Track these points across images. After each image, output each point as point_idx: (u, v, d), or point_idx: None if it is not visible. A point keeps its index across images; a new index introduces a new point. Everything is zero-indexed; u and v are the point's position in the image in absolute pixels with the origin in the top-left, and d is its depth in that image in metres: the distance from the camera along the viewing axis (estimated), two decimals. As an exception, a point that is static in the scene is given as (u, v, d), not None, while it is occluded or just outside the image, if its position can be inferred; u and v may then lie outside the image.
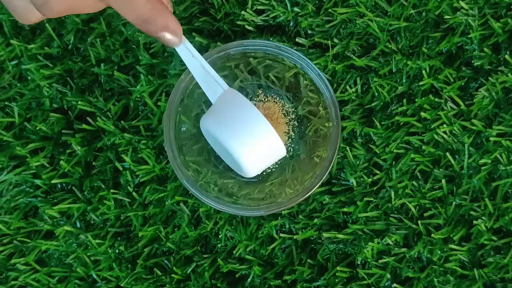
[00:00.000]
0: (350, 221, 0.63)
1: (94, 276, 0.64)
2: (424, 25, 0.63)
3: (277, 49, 0.60)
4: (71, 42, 0.66)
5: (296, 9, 0.63)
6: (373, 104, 0.63)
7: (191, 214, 0.64)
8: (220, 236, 0.63)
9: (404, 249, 0.62)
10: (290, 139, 0.63)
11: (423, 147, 0.62)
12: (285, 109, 0.63)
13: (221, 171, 0.63)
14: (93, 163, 0.65)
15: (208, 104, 0.59)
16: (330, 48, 0.63)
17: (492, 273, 0.61)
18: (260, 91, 0.63)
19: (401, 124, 0.62)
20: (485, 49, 0.62)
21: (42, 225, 0.64)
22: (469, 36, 0.62)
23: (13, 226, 0.65)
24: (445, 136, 0.61)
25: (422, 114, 0.62)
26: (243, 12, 0.63)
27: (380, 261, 0.62)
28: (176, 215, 0.64)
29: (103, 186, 0.64)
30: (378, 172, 0.62)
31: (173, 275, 0.63)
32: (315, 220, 0.62)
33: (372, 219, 0.62)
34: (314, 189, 0.59)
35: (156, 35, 0.50)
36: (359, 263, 0.63)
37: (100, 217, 0.64)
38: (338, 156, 0.63)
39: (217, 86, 0.56)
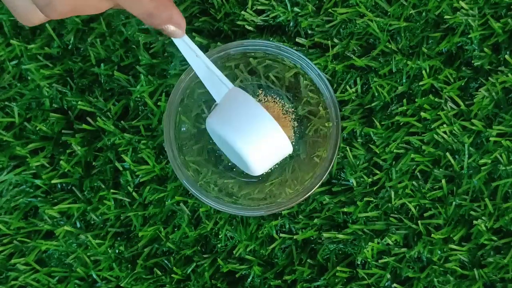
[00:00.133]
0: (350, 221, 0.63)
1: (94, 276, 0.64)
2: (424, 25, 0.63)
3: (277, 49, 0.60)
4: (71, 42, 0.66)
5: (296, 9, 0.63)
6: (373, 104, 0.63)
7: (191, 214, 0.64)
8: (220, 236, 0.63)
9: (404, 249, 0.62)
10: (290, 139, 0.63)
11: (423, 147, 0.62)
12: (285, 109, 0.63)
13: (221, 171, 0.63)
14: (93, 163, 0.65)
15: (208, 104, 0.59)
16: (330, 48, 0.63)
17: (492, 273, 0.61)
18: (260, 91, 0.63)
19: (401, 124, 0.62)
20: (485, 49, 0.62)
21: (42, 225, 0.64)
22: (469, 36, 0.62)
23: (13, 226, 0.65)
24: (445, 136, 0.61)
25: (422, 114, 0.62)
26: (243, 12, 0.63)
27: (380, 261, 0.62)
28: (176, 215, 0.64)
29: (103, 186, 0.64)
30: (378, 172, 0.62)
31: (173, 275, 0.63)
32: (315, 220, 0.62)
33: (372, 219, 0.62)
34: (314, 189, 0.59)
35: (161, 27, 0.50)
36: (359, 263, 0.63)
37: (100, 217, 0.64)
38: (338, 156, 0.63)
39: (222, 85, 0.56)
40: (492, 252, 0.61)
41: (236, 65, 0.62)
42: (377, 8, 0.63)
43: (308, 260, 0.63)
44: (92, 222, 0.65)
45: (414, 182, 0.62)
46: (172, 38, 0.53)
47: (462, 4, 0.61)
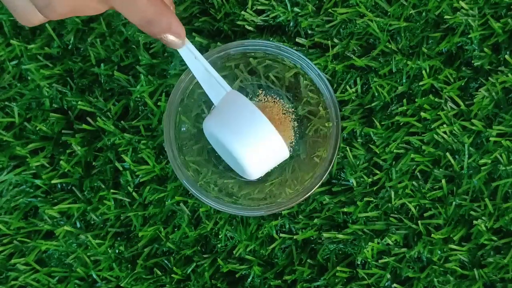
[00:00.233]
0: (350, 221, 0.63)
1: (94, 276, 0.64)
2: (424, 25, 0.63)
3: (277, 49, 0.60)
4: (71, 42, 0.66)
5: (296, 9, 0.63)
6: (373, 104, 0.63)
7: (191, 214, 0.64)
8: (220, 236, 0.63)
9: (404, 249, 0.62)
10: (290, 139, 0.63)
11: (423, 147, 0.62)
12: (285, 109, 0.63)
13: (221, 171, 0.63)
14: (93, 163, 0.65)
15: (208, 104, 0.59)
16: (330, 48, 0.63)
17: (492, 273, 0.61)
18: (260, 91, 0.63)
19: (401, 124, 0.62)
20: (485, 49, 0.62)
21: (42, 225, 0.64)
22: (469, 36, 0.62)
23: (13, 226, 0.65)
24: (445, 136, 0.61)
25: (422, 114, 0.62)
26: (243, 12, 0.63)
27: (380, 261, 0.62)
28: (176, 215, 0.64)
29: (103, 186, 0.64)
30: (378, 172, 0.62)
31: (173, 275, 0.63)
32: (315, 220, 0.62)
33: (372, 219, 0.62)
34: (314, 189, 0.59)
35: (159, 36, 0.50)
36: (359, 263, 0.63)
37: (100, 217, 0.64)
38: (338, 156, 0.63)
39: (220, 88, 0.56)
40: (492, 252, 0.61)
41: (236, 65, 0.62)
42: (377, 8, 0.63)
43: (308, 260, 0.63)
44: (92, 222, 0.65)
45: (414, 182, 0.62)
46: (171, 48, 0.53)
47: (462, 4, 0.61)
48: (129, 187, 0.64)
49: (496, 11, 0.62)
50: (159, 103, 0.64)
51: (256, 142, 0.54)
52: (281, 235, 0.63)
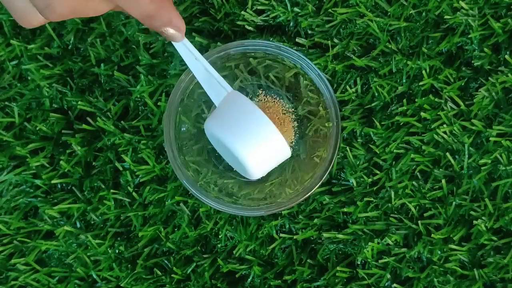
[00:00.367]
0: (350, 221, 0.63)
1: (94, 276, 0.64)
2: (424, 25, 0.63)
3: (277, 49, 0.60)
4: (71, 42, 0.66)
5: (296, 9, 0.63)
6: (373, 104, 0.63)
7: (191, 214, 0.64)
8: (220, 236, 0.63)
9: (404, 249, 0.62)
10: (290, 139, 0.63)
11: (423, 147, 0.62)
12: (285, 109, 0.63)
13: (221, 171, 0.63)
14: (93, 163, 0.65)
15: (208, 104, 0.59)
16: (330, 48, 0.63)
17: (492, 273, 0.61)
18: (260, 91, 0.63)
19: (401, 124, 0.62)
20: (485, 49, 0.62)
21: (42, 225, 0.64)
22: (469, 36, 0.62)
23: (13, 226, 0.65)
24: (445, 136, 0.61)
25: (422, 114, 0.62)
26: (243, 12, 0.63)
27: (380, 261, 0.62)
28: (176, 215, 0.64)
29: (103, 186, 0.64)
30: (378, 172, 0.62)
31: (173, 275, 0.63)
32: (315, 220, 0.62)
33: (372, 219, 0.62)
34: (314, 189, 0.59)
35: (160, 30, 0.50)
36: (359, 263, 0.63)
37: (100, 217, 0.64)
38: (338, 156, 0.63)
39: (221, 89, 0.56)
40: (492, 252, 0.61)
41: (236, 65, 0.62)
42: (377, 8, 0.63)
43: (308, 260, 0.63)
44: (92, 222, 0.65)
45: (414, 182, 0.62)
46: (171, 41, 0.53)
47: (462, 4, 0.61)
48: (129, 187, 0.64)
49: (496, 11, 0.62)
50: (159, 103, 0.64)
51: (258, 142, 0.54)
52: (281, 235, 0.63)
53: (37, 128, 0.65)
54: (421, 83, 0.62)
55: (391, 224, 0.62)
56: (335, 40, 0.63)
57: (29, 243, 0.65)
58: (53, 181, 0.64)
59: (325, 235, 0.62)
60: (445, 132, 0.62)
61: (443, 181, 0.61)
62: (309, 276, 0.63)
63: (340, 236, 0.62)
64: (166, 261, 0.64)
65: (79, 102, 0.65)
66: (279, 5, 0.63)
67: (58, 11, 0.47)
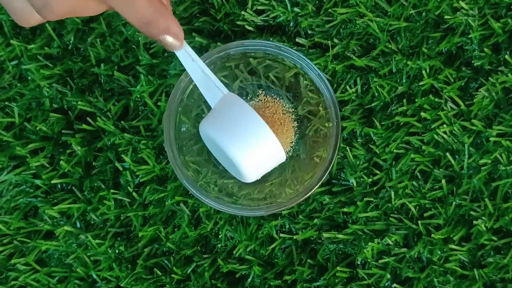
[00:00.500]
0: (350, 221, 0.63)
1: (94, 276, 0.64)
2: (424, 25, 0.63)
3: (277, 49, 0.60)
4: (71, 42, 0.66)
5: (296, 9, 0.63)
6: (373, 104, 0.63)
7: (191, 214, 0.64)
8: (220, 236, 0.63)
9: (404, 249, 0.62)
10: (290, 139, 0.63)
11: (423, 147, 0.62)
12: (285, 109, 0.63)
13: (221, 171, 0.63)
14: (93, 163, 0.65)
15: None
16: (330, 48, 0.63)
17: (492, 273, 0.61)
18: (260, 91, 0.63)
19: (401, 124, 0.62)
20: (485, 49, 0.62)
21: (42, 225, 0.64)
22: (469, 36, 0.62)
23: (13, 226, 0.65)
24: (445, 136, 0.61)
25: (422, 114, 0.62)
26: (243, 12, 0.63)
27: (380, 261, 0.62)
28: (176, 215, 0.64)
29: (103, 186, 0.64)
30: (378, 172, 0.62)
31: (173, 275, 0.63)
32: (315, 220, 0.62)
33: (372, 219, 0.62)
34: (314, 189, 0.59)
35: (158, 38, 0.49)
36: (359, 263, 0.63)
37: (100, 217, 0.64)
38: (338, 156, 0.63)
39: (217, 90, 0.56)
40: (492, 252, 0.61)
41: (236, 65, 0.62)
42: (377, 8, 0.63)
43: (308, 260, 0.63)
44: (92, 222, 0.65)
45: (414, 182, 0.62)
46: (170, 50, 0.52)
47: (462, 4, 0.61)
48: (129, 187, 0.64)
49: (496, 11, 0.62)
50: (159, 103, 0.64)
51: (253, 145, 0.54)
52: (281, 235, 0.63)
53: (37, 128, 0.65)
54: (421, 83, 0.62)
55: (391, 224, 0.62)
56: (335, 40, 0.63)
57: (29, 243, 0.65)
58: (53, 181, 0.64)
59: (325, 235, 0.62)
60: (445, 132, 0.62)
61: (443, 181, 0.61)
62: (309, 276, 0.63)
63: (340, 236, 0.62)
64: (166, 261, 0.64)
65: (79, 102, 0.65)
66: (279, 5, 0.63)
67: (56, 10, 0.47)
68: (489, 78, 0.61)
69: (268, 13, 0.63)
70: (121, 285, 0.64)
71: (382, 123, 0.62)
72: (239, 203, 0.60)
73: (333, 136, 0.59)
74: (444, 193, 0.62)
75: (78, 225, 0.65)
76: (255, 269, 0.62)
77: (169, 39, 0.50)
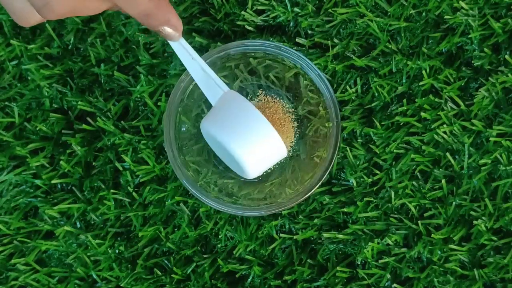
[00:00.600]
0: (350, 221, 0.63)
1: (94, 276, 0.64)
2: (424, 25, 0.63)
3: (277, 49, 0.60)
4: (71, 42, 0.66)
5: (296, 9, 0.63)
6: (373, 104, 0.63)
7: (191, 214, 0.64)
8: (220, 236, 0.63)
9: (404, 249, 0.62)
10: (290, 139, 0.63)
11: (423, 147, 0.62)
12: (285, 109, 0.63)
13: (221, 171, 0.63)
14: (93, 163, 0.65)
15: (208, 104, 0.59)
16: (330, 48, 0.63)
17: (492, 273, 0.61)
18: (260, 91, 0.63)
19: (401, 124, 0.62)
20: (485, 49, 0.62)
21: (42, 225, 0.64)
22: (469, 36, 0.62)
23: (13, 226, 0.65)
24: (445, 136, 0.61)
25: (422, 114, 0.62)
26: (243, 12, 0.63)
27: (380, 261, 0.62)
28: (176, 215, 0.64)
29: (103, 186, 0.64)
30: (378, 172, 0.62)
31: (173, 275, 0.63)
32: (315, 220, 0.62)
33: (372, 219, 0.62)
34: (314, 189, 0.59)
35: (157, 29, 0.50)
36: (359, 263, 0.63)
37: (100, 217, 0.64)
38: (338, 156, 0.63)
39: (217, 88, 0.56)
40: (492, 252, 0.61)
41: (236, 65, 0.62)
42: (377, 8, 0.63)
43: (308, 260, 0.63)
44: (92, 222, 0.65)
45: (414, 182, 0.62)
46: (168, 41, 0.53)
47: (462, 4, 0.61)
48: (129, 187, 0.64)
49: (496, 11, 0.62)
50: (159, 103, 0.64)
51: (254, 142, 0.54)
52: (281, 235, 0.63)
53: (37, 128, 0.65)
54: (421, 83, 0.62)
55: (391, 224, 0.62)
56: (335, 40, 0.63)
57: (29, 243, 0.65)
58: (53, 181, 0.64)
59: (325, 235, 0.62)
60: (445, 132, 0.61)
61: (443, 181, 0.61)
62: (309, 276, 0.63)
63: (340, 236, 0.62)
64: (166, 261, 0.64)
65: (79, 102, 0.65)
66: (279, 5, 0.63)
67: (56, 10, 0.47)
68: (489, 78, 0.61)
69: (268, 13, 0.63)
70: (121, 285, 0.64)
71: (382, 123, 0.62)
72: (239, 203, 0.60)
73: (333, 136, 0.59)
74: (444, 193, 0.62)
75: (78, 225, 0.65)
76: (255, 269, 0.62)
77: (168, 29, 0.51)
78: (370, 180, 0.62)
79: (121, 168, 0.64)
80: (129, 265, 0.64)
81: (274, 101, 0.63)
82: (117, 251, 0.64)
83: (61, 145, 0.65)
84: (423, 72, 0.62)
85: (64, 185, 0.65)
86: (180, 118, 0.61)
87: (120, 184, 0.65)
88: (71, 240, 0.64)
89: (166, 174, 0.64)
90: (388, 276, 0.62)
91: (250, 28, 0.63)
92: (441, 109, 0.62)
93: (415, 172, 0.62)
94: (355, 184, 0.62)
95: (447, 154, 0.62)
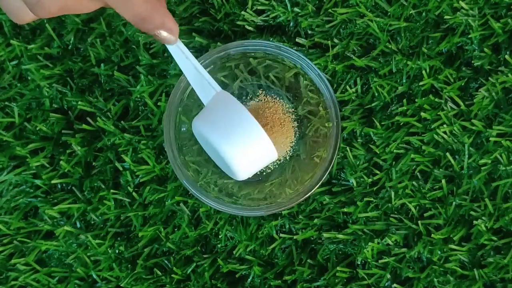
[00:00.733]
0: (350, 221, 0.63)
1: (94, 276, 0.64)
2: (424, 25, 0.63)
3: (277, 49, 0.60)
4: (71, 42, 0.66)
5: (296, 9, 0.63)
6: (373, 104, 0.63)
7: (191, 214, 0.64)
8: (220, 236, 0.63)
9: (404, 249, 0.62)
10: (290, 139, 0.63)
11: (423, 147, 0.62)
12: (285, 109, 0.63)
13: (221, 171, 0.63)
14: (93, 163, 0.65)
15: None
16: (330, 48, 0.63)
17: (492, 273, 0.61)
18: (260, 91, 0.63)
19: (401, 124, 0.62)
20: (485, 49, 0.62)
21: (42, 225, 0.64)
22: (469, 36, 0.62)
23: (13, 226, 0.65)
24: (445, 136, 0.61)
25: (422, 114, 0.62)
26: (243, 12, 0.63)
27: (380, 261, 0.62)
28: (176, 215, 0.64)
29: (103, 186, 0.64)
30: (378, 172, 0.62)
31: (173, 275, 0.63)
32: (315, 220, 0.62)
33: (372, 219, 0.62)
34: (314, 189, 0.59)
35: (153, 32, 0.50)
36: (359, 263, 0.63)
37: (100, 217, 0.64)
38: (338, 156, 0.63)
39: (210, 88, 0.56)
40: (492, 252, 0.61)
41: (236, 65, 0.62)
42: (377, 8, 0.63)
43: (308, 260, 0.63)
44: (92, 222, 0.65)
45: (414, 182, 0.62)
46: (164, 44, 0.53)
47: (462, 4, 0.61)
48: (129, 187, 0.64)
49: (496, 11, 0.62)
50: (159, 103, 0.64)
51: (244, 143, 0.54)
52: (281, 235, 0.63)
53: (37, 128, 0.65)
54: (421, 83, 0.62)
55: (391, 224, 0.62)
56: (335, 40, 0.63)
57: (29, 243, 0.65)
58: (53, 181, 0.64)
59: (325, 235, 0.62)
60: (445, 132, 0.61)
61: (443, 181, 0.61)
62: (309, 276, 0.63)
63: (340, 236, 0.62)
64: (166, 261, 0.64)
65: (79, 102, 0.65)
66: (279, 5, 0.63)
67: (48, 8, 0.47)
68: (489, 78, 0.61)
69: (268, 13, 0.63)
70: (121, 285, 0.64)
71: (382, 123, 0.62)
72: (239, 203, 0.60)
73: (333, 136, 0.59)
74: (444, 193, 0.62)
75: (78, 225, 0.65)
76: (255, 269, 0.62)
77: (164, 33, 0.50)
78: (370, 180, 0.62)
79: (121, 168, 0.64)
80: (129, 265, 0.64)
81: (274, 101, 0.63)
82: (117, 251, 0.64)
83: (61, 145, 0.65)
84: (423, 72, 0.62)
85: (64, 185, 0.65)
86: (180, 118, 0.61)
87: (120, 184, 0.65)
88: (71, 240, 0.64)
89: (166, 174, 0.64)
90: (388, 276, 0.62)
91: (250, 28, 0.63)
92: (441, 109, 0.62)
93: (415, 172, 0.62)
94: (355, 184, 0.62)
95: (447, 154, 0.62)
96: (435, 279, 0.61)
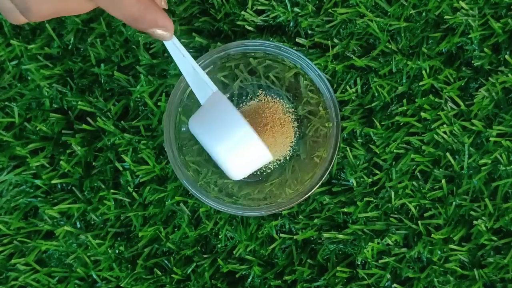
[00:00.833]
0: (350, 221, 0.63)
1: (94, 276, 0.64)
2: (424, 25, 0.63)
3: (277, 49, 0.60)
4: (71, 42, 0.66)
5: (296, 9, 0.63)
6: (373, 104, 0.63)
7: (191, 214, 0.64)
8: (220, 236, 0.63)
9: (404, 249, 0.62)
10: (290, 139, 0.63)
11: (423, 147, 0.62)
12: (285, 109, 0.63)
13: (221, 171, 0.63)
14: (93, 163, 0.65)
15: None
16: (330, 48, 0.63)
17: (492, 273, 0.61)
18: (260, 91, 0.63)
19: (401, 124, 0.62)
20: (485, 49, 0.62)
21: (42, 225, 0.64)
22: (469, 36, 0.62)
23: (13, 226, 0.65)
24: (445, 136, 0.61)
25: (422, 114, 0.62)
26: (243, 12, 0.63)
27: (380, 261, 0.62)
28: (176, 215, 0.64)
29: (103, 186, 0.64)
30: (378, 172, 0.62)
31: (173, 275, 0.63)
32: (315, 220, 0.62)
33: (372, 219, 0.62)
34: (314, 189, 0.59)
35: (147, 31, 0.50)
36: (359, 263, 0.63)
37: (100, 217, 0.64)
38: (338, 156, 0.63)
39: (207, 87, 0.56)
40: (492, 252, 0.61)
41: (236, 65, 0.62)
42: (377, 8, 0.63)
43: (308, 260, 0.63)
44: (92, 222, 0.65)
45: (414, 182, 0.62)
46: (161, 41, 0.53)
47: (462, 4, 0.61)
48: (129, 187, 0.64)
49: (496, 11, 0.62)
50: (159, 103, 0.64)
51: (235, 145, 0.54)
52: (281, 235, 0.63)
53: (37, 128, 0.65)
54: (421, 83, 0.62)
55: (391, 224, 0.62)
56: (335, 40, 0.63)
57: (29, 243, 0.65)
58: (53, 181, 0.64)
59: (325, 235, 0.62)
60: (445, 132, 0.62)
61: (443, 181, 0.61)
62: (309, 276, 0.63)
63: (340, 236, 0.62)
64: (166, 261, 0.64)
65: (79, 102, 0.65)
66: (279, 5, 0.63)
67: (37, 13, 0.47)
68: (489, 78, 0.61)
69: (268, 13, 0.63)
70: (121, 285, 0.64)
71: (382, 123, 0.62)
72: (239, 203, 0.60)
73: (333, 136, 0.59)
74: (444, 193, 0.62)
75: (78, 225, 0.65)
76: (255, 269, 0.62)
77: (158, 31, 0.51)
78: (370, 180, 0.62)
79: (121, 168, 0.64)
80: (129, 265, 0.64)
81: (274, 101, 0.63)
82: (117, 251, 0.64)
83: (61, 145, 0.65)
84: (423, 72, 0.62)
85: (64, 185, 0.65)
86: (180, 118, 0.61)
87: (120, 184, 0.65)
88: (71, 240, 0.64)
89: (166, 174, 0.64)
90: (388, 276, 0.62)
91: (250, 28, 0.63)
92: (441, 109, 0.62)
93: (415, 172, 0.62)
94: (355, 184, 0.62)
95: (447, 154, 0.62)
96: (435, 279, 0.61)
